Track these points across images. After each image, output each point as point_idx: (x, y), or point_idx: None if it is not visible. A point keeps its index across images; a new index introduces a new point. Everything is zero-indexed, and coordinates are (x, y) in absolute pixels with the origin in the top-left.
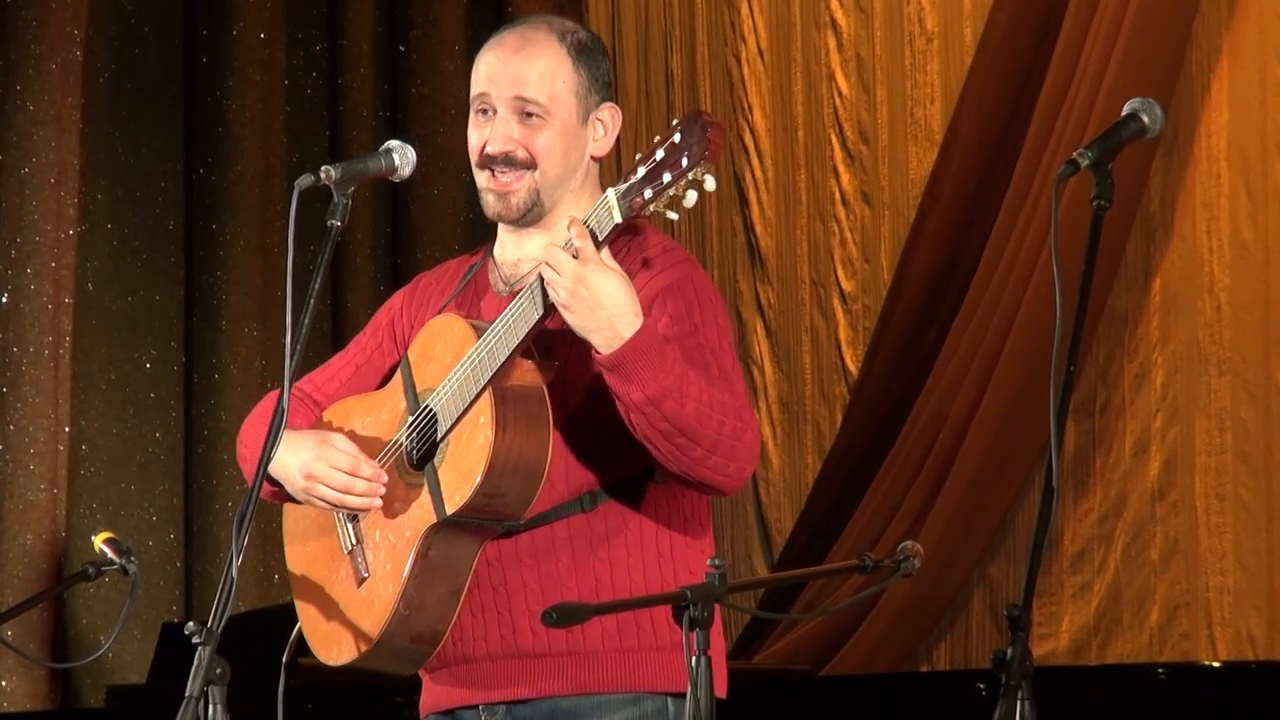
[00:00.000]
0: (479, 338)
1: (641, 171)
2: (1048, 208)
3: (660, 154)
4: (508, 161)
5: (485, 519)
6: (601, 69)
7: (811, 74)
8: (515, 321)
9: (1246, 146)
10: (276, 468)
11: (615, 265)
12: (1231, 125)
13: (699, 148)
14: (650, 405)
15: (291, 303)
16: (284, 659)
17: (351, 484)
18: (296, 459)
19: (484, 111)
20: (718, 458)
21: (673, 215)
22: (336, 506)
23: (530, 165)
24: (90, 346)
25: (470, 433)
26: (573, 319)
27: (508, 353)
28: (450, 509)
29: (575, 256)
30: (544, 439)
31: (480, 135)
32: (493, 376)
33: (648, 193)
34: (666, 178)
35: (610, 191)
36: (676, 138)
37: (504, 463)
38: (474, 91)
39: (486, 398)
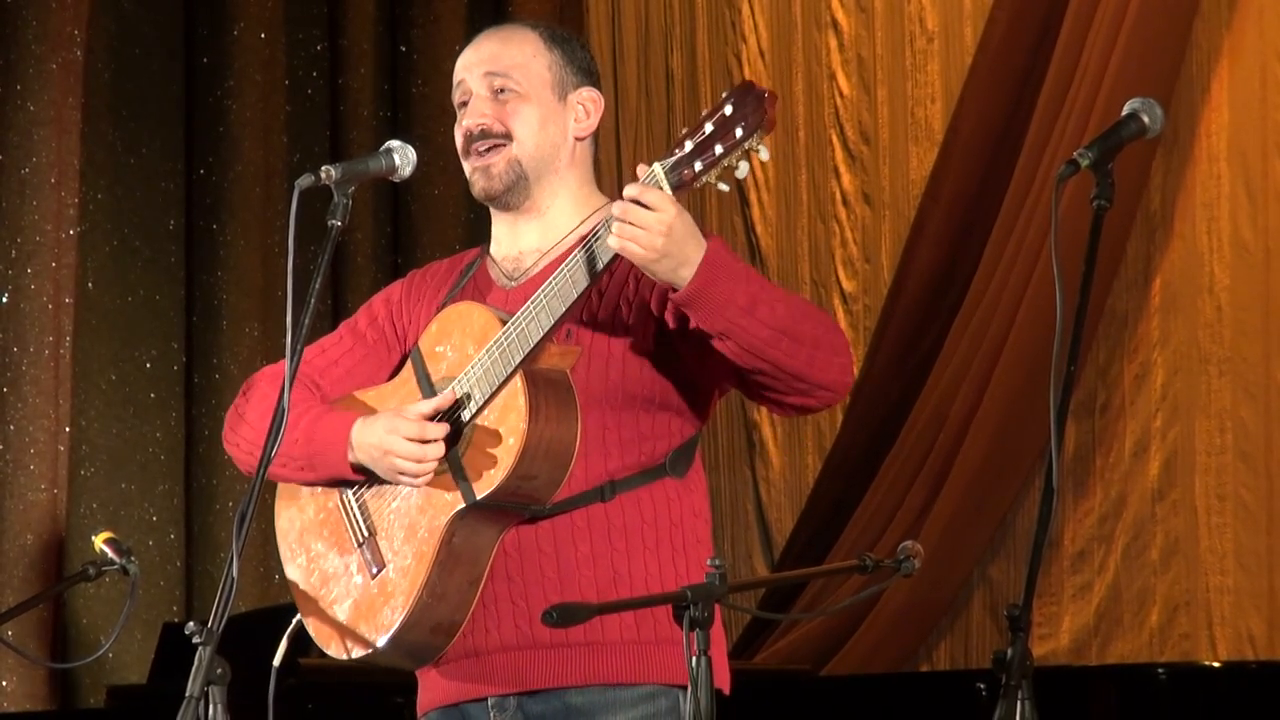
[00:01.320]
0: (504, 323)
1: (689, 145)
2: (1048, 208)
3: (709, 127)
4: (484, 136)
5: (514, 502)
6: (578, 55)
7: (812, 74)
8: (551, 300)
9: (1246, 146)
10: (358, 450)
11: (677, 203)
12: (1231, 125)
13: (755, 117)
14: (746, 315)
15: (292, 303)
16: (275, 662)
17: (424, 451)
18: (368, 439)
19: (464, 104)
20: (824, 354)
21: (724, 187)
22: (415, 478)
23: (506, 137)
24: (90, 346)
25: (501, 416)
26: (660, 266)
27: (542, 333)
28: (481, 493)
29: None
30: (573, 422)
31: (461, 125)
32: (525, 358)
33: (698, 165)
34: (718, 150)
35: (656, 165)
36: (728, 110)
37: (537, 444)
38: (453, 88)
39: (517, 381)
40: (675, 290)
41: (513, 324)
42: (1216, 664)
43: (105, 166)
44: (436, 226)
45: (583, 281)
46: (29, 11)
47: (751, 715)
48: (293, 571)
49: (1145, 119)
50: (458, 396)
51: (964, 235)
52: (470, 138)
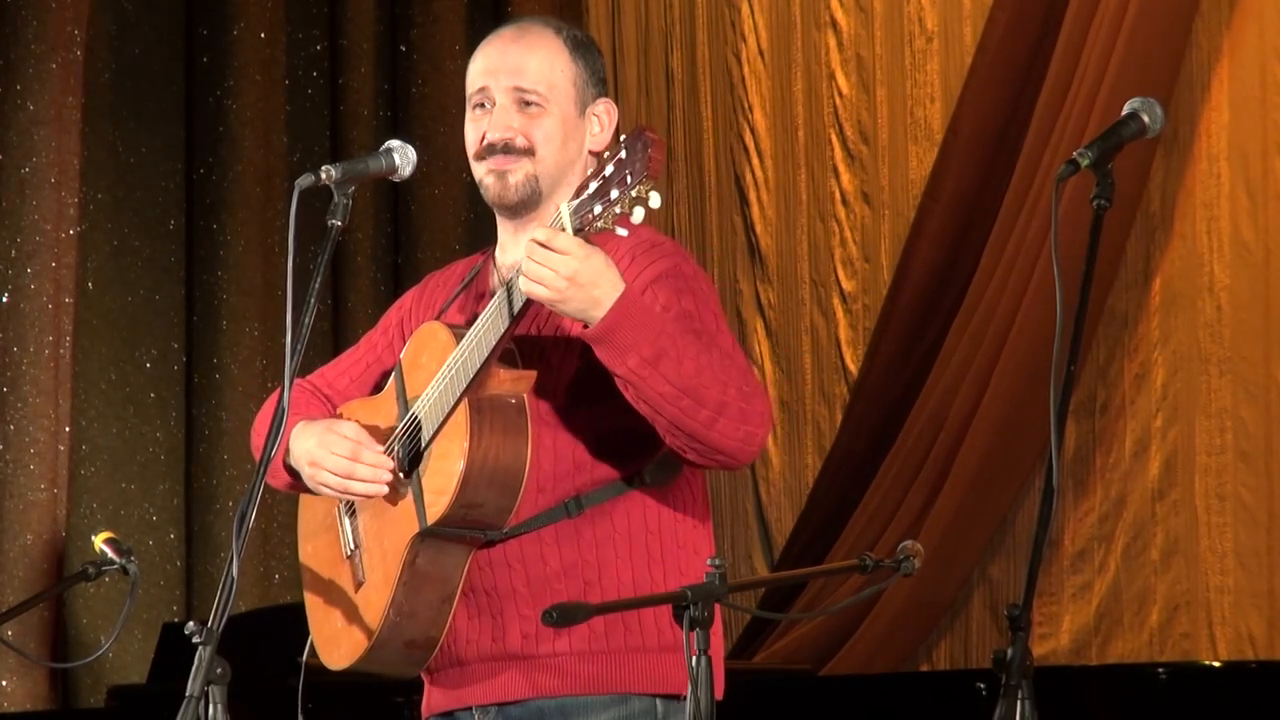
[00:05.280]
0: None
1: (593, 187)
2: (1048, 208)
3: (609, 170)
4: (507, 149)
5: (466, 529)
6: (597, 64)
7: (812, 73)
8: (485, 332)
9: (1246, 146)
10: (294, 456)
11: (588, 245)
12: (1231, 125)
13: (640, 165)
14: (648, 367)
15: (292, 302)
16: (303, 656)
17: (352, 469)
18: (302, 446)
19: (482, 105)
20: (726, 420)
21: (622, 231)
22: (341, 493)
23: (529, 152)
24: (91, 346)
25: (447, 444)
26: (567, 307)
27: (479, 363)
28: (429, 520)
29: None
30: (521, 449)
31: (479, 128)
32: (467, 387)
33: (597, 208)
34: (614, 194)
35: (563, 206)
36: (622, 154)
37: (479, 474)
38: (471, 88)
39: (462, 408)
40: (586, 327)
41: (458, 350)
42: (1216, 664)
43: (105, 166)
44: (436, 226)
45: (501, 323)
46: (29, 11)
47: (751, 715)
48: (304, 572)
49: (1145, 119)
50: (419, 418)
51: (964, 235)
52: (492, 149)
